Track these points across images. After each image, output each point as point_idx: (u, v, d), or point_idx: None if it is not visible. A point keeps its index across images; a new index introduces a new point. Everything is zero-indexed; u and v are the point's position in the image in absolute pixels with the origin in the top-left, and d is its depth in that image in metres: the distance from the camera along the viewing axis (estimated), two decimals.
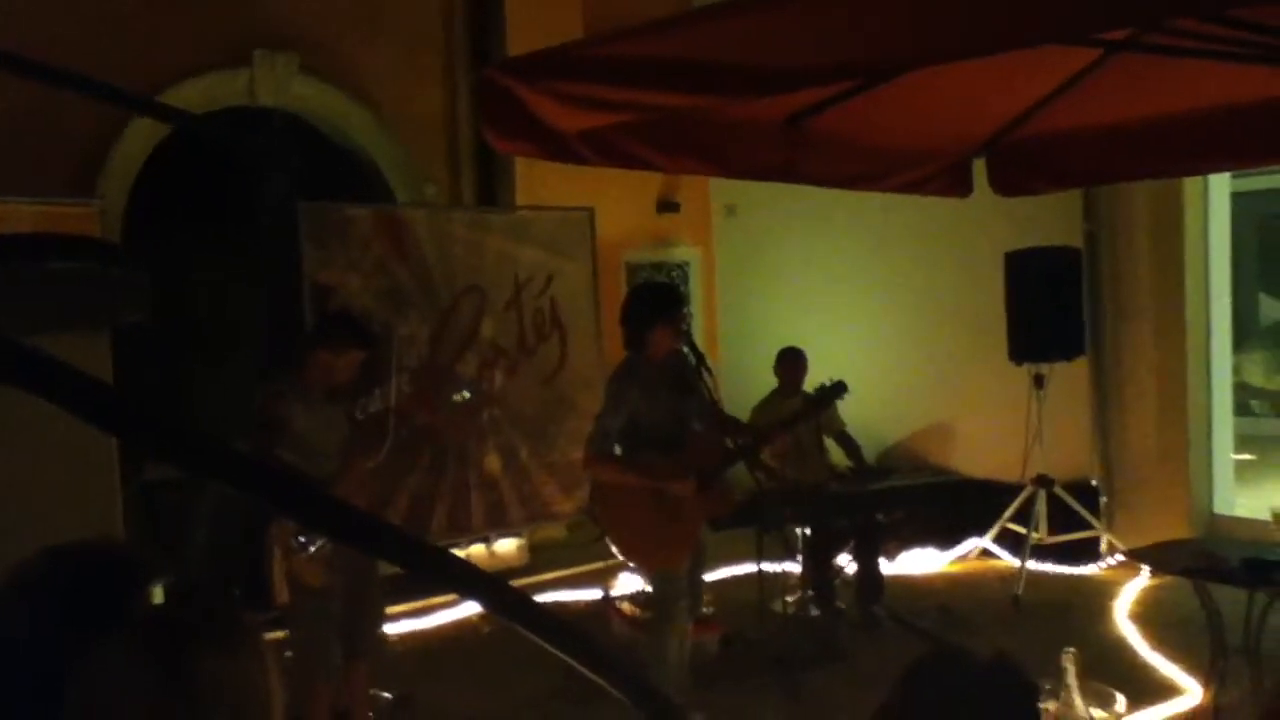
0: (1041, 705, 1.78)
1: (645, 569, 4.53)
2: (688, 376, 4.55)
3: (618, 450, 4.47)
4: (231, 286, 6.96)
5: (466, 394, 6.13)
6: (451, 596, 6.31)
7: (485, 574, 0.95)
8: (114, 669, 0.89)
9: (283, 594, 4.95)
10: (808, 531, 6.03)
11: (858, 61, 2.81)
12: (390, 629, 5.14)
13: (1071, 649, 1.99)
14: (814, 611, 5.85)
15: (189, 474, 0.82)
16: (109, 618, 0.90)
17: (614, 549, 4.79)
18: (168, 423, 0.78)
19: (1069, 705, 1.96)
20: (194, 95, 6.82)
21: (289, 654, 4.27)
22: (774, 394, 6.12)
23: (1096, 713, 2.00)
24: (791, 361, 6.15)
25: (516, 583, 6.81)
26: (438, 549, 0.96)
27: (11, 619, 0.91)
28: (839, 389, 5.24)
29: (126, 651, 0.89)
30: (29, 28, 5.91)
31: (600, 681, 0.92)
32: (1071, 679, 1.96)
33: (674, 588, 4.48)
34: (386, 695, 4.84)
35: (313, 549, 3.99)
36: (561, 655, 0.90)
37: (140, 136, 6.68)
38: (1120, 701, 2.07)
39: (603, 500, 4.56)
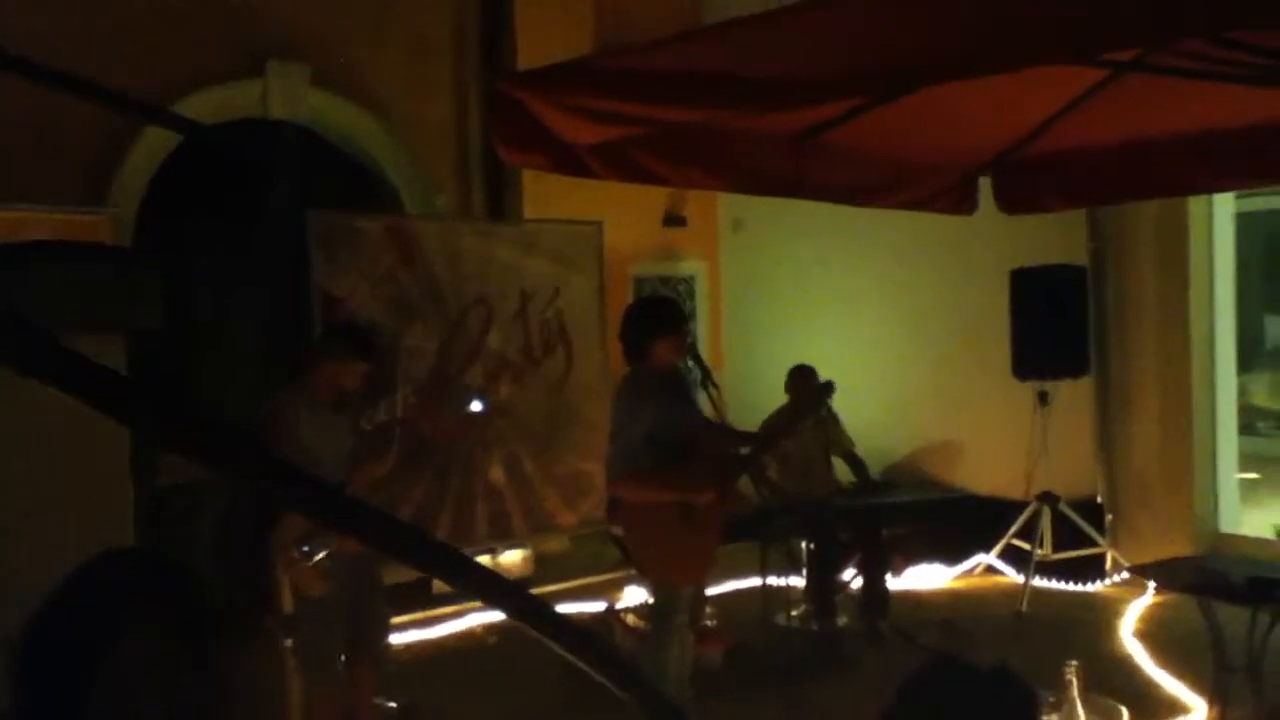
0: (1045, 717, 1.79)
1: (673, 585, 4.49)
2: (686, 387, 4.57)
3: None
4: (240, 295, 7.00)
5: (479, 405, 6.15)
6: (456, 607, 6.32)
7: (506, 580, 0.97)
8: (143, 661, 0.93)
9: (287, 602, 4.97)
10: (812, 546, 6.05)
11: (868, 78, 2.84)
12: (395, 638, 5.15)
13: (1074, 662, 2.00)
14: (814, 625, 5.86)
15: (228, 475, 0.84)
16: (146, 615, 0.95)
17: (639, 569, 4.76)
18: (230, 432, 0.80)
19: (1072, 717, 1.97)
20: (207, 105, 6.86)
21: (292, 662, 4.28)
22: (781, 411, 6.12)
23: None
24: (804, 379, 6.13)
25: None
26: (462, 554, 0.97)
27: (59, 611, 0.96)
28: (827, 388, 5.23)
29: (156, 646, 0.93)
30: (43, 36, 5.95)
31: (616, 690, 0.93)
32: (1075, 692, 1.97)
33: (675, 601, 4.49)
34: (391, 704, 4.85)
35: (316, 558, 3.99)
36: (580, 663, 0.91)
37: (152, 145, 6.72)
38: (1124, 716, 2.09)
39: (630, 521, 4.51)
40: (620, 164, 3.36)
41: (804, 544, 6.06)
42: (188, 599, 1.01)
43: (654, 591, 4.67)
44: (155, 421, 0.83)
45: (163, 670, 0.95)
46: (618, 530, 4.84)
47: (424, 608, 6.24)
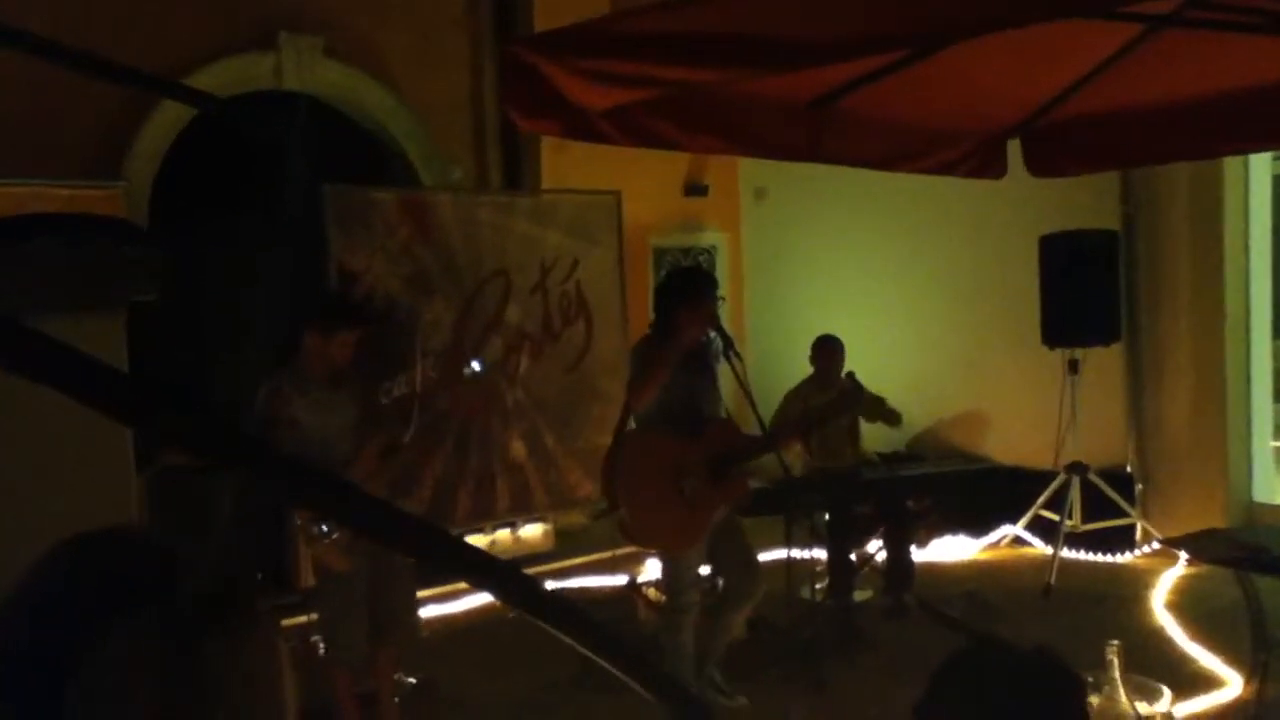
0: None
1: (653, 547, 4.50)
2: (707, 359, 4.50)
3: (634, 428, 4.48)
4: (256, 270, 6.94)
5: (476, 366, 6.00)
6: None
7: (498, 561, 0.90)
8: (123, 655, 0.86)
9: (308, 578, 4.94)
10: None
11: (890, 35, 2.73)
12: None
13: (1116, 642, 1.91)
14: (829, 600, 5.80)
15: (200, 458, 0.77)
16: (125, 605, 0.88)
17: (624, 526, 4.70)
18: (178, 409, 0.73)
19: (1113, 700, 1.88)
20: (221, 78, 6.80)
21: (315, 638, 4.25)
22: (807, 382, 6.02)
23: (1142, 707, 1.92)
24: (829, 350, 6.02)
25: (542, 568, 6.77)
26: (449, 535, 0.91)
27: (29, 604, 0.89)
28: (855, 395, 5.22)
29: (137, 638, 0.86)
30: (55, 10, 5.89)
31: (615, 671, 0.87)
32: (1116, 672, 1.89)
33: (683, 575, 4.44)
34: (410, 680, 4.82)
35: (335, 534, 3.96)
36: (577, 646, 0.85)
37: (166, 119, 6.67)
38: (1165, 696, 2.00)
39: (618, 475, 4.49)
40: (634, 129, 3.26)
41: (826, 517, 5.98)
42: (170, 586, 0.93)
43: (662, 567, 4.63)
44: (147, 418, 0.75)
45: (143, 668, 0.87)
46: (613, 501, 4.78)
47: (443, 583, 6.20)
